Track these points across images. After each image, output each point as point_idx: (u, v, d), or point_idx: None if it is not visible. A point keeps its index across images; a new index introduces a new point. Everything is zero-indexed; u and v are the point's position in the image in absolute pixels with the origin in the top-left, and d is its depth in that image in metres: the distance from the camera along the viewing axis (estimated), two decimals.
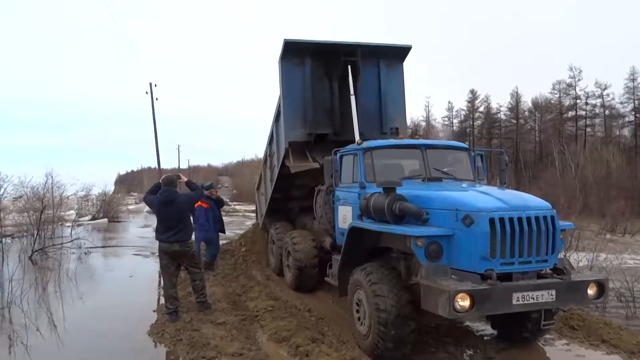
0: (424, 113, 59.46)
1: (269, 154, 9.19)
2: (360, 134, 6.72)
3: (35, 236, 12.52)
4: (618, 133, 47.31)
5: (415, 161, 5.82)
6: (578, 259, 8.27)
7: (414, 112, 59.78)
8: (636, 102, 45.31)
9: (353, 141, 6.52)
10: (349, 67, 7.14)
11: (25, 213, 14.50)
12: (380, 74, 7.70)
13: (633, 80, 44.91)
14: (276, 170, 8.34)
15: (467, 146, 6.32)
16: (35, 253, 11.86)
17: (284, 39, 7.18)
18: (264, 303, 6.72)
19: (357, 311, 5.00)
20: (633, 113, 45.68)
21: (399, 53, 7.88)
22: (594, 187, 29.37)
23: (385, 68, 7.74)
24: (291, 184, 8.50)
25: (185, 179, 6.89)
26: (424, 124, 57.52)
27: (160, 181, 6.54)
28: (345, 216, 6.00)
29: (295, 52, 7.32)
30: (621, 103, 46.38)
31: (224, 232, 9.67)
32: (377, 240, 5.24)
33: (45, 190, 15.43)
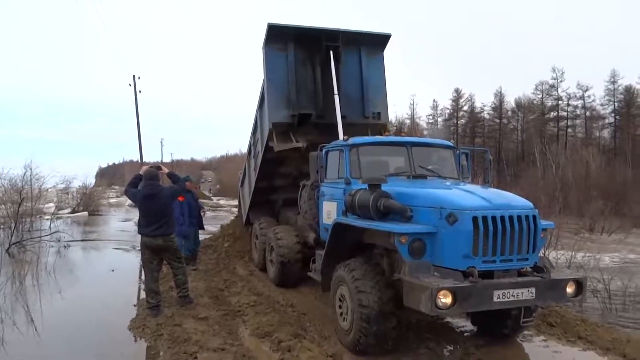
0: (408, 111, 59.91)
1: (252, 142, 9.19)
2: (343, 117, 6.90)
3: (12, 229, 12.25)
4: (598, 134, 48.40)
5: (400, 158, 5.84)
6: (557, 257, 8.44)
7: (398, 110, 60.19)
8: (616, 104, 46.36)
9: (336, 124, 6.70)
10: (331, 52, 7.28)
11: (3, 205, 14.16)
12: (361, 61, 7.84)
13: (613, 82, 46.04)
14: (260, 156, 8.32)
15: (452, 144, 6.38)
16: (13, 246, 11.59)
17: (268, 23, 7.27)
18: (247, 298, 6.70)
19: (340, 307, 5.00)
20: (613, 115, 46.78)
21: (380, 41, 8.02)
22: (574, 187, 29.93)
23: (367, 55, 7.87)
24: (275, 172, 8.53)
25: (167, 171, 6.81)
26: (408, 121, 57.91)
27: (142, 173, 6.44)
28: (329, 212, 6.00)
29: (278, 37, 7.43)
30: (601, 105, 47.55)
31: (202, 227, 9.56)
32: (361, 236, 5.25)
33: (23, 182, 15.10)
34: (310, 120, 7.36)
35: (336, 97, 6.99)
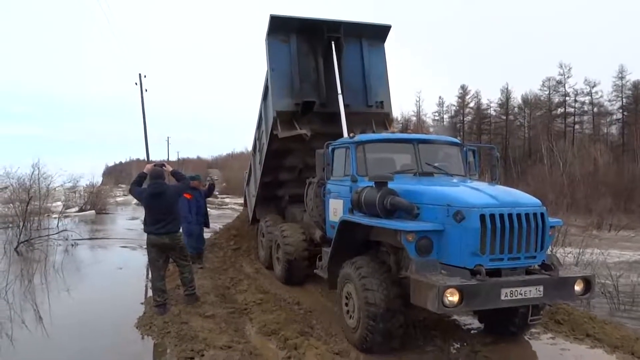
0: (414, 108, 59.67)
1: (257, 137, 9.25)
2: (346, 105, 7.06)
3: (21, 227, 12.34)
4: (606, 130, 47.94)
5: (407, 155, 5.81)
6: (564, 254, 8.37)
7: (404, 107, 59.92)
8: (624, 100, 45.89)
9: (339, 112, 6.85)
10: (333, 43, 7.40)
11: (11, 204, 14.27)
12: (363, 52, 7.95)
13: (621, 78, 45.52)
14: (265, 148, 8.37)
15: (459, 141, 6.34)
16: (21, 244, 11.69)
17: (270, 14, 7.39)
18: (253, 296, 6.71)
19: (346, 304, 5.00)
20: (621, 111, 46.31)
21: (380, 32, 8.13)
22: (582, 184, 29.71)
23: (368, 46, 7.99)
24: (280, 165, 8.58)
25: (170, 169, 6.82)
26: (414, 118, 57.71)
27: (145, 171, 6.46)
28: (336, 209, 5.99)
29: (281, 28, 7.56)
30: (609, 101, 47.05)
31: (208, 226, 9.57)
32: (367, 234, 5.24)
33: (31, 181, 15.18)
34: (313, 108, 7.43)
35: (339, 87, 7.10)
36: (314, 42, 7.60)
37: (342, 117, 6.86)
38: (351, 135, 5.94)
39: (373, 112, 7.78)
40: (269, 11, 7.76)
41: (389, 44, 8.17)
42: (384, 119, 7.90)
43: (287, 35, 7.58)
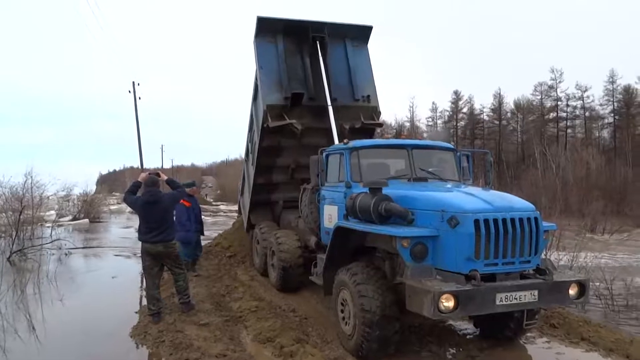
0: (408, 113, 60.02)
1: (249, 139, 9.35)
2: (334, 99, 7.49)
3: (13, 237, 12.23)
4: (598, 134, 48.37)
5: (401, 161, 5.83)
6: (558, 258, 8.41)
7: (398, 113, 60.17)
8: (615, 104, 46.36)
9: (327, 106, 7.23)
10: (318, 42, 7.75)
11: (3, 214, 14.14)
12: (347, 50, 8.27)
13: (612, 82, 46.01)
14: (257, 147, 8.43)
15: (453, 146, 6.37)
16: (14, 254, 11.57)
17: (257, 16, 7.67)
18: (248, 304, 6.67)
19: (342, 311, 5.00)
20: (612, 115, 46.75)
21: (363, 32, 8.46)
22: (574, 188, 29.92)
23: (352, 46, 8.34)
24: (273, 164, 8.67)
25: (166, 178, 6.79)
26: (408, 124, 57.96)
27: (140, 180, 6.44)
28: (330, 215, 6.00)
29: (268, 29, 7.87)
30: (601, 105, 47.54)
31: (202, 233, 9.53)
32: (362, 240, 5.24)
33: (24, 190, 15.08)
34: (302, 101, 7.62)
35: (325, 83, 7.46)
36: (300, 41, 7.89)
37: (329, 112, 7.21)
38: (345, 141, 5.95)
39: (361, 106, 8.02)
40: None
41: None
42: (372, 113, 8.13)
43: (274, 35, 7.87)
